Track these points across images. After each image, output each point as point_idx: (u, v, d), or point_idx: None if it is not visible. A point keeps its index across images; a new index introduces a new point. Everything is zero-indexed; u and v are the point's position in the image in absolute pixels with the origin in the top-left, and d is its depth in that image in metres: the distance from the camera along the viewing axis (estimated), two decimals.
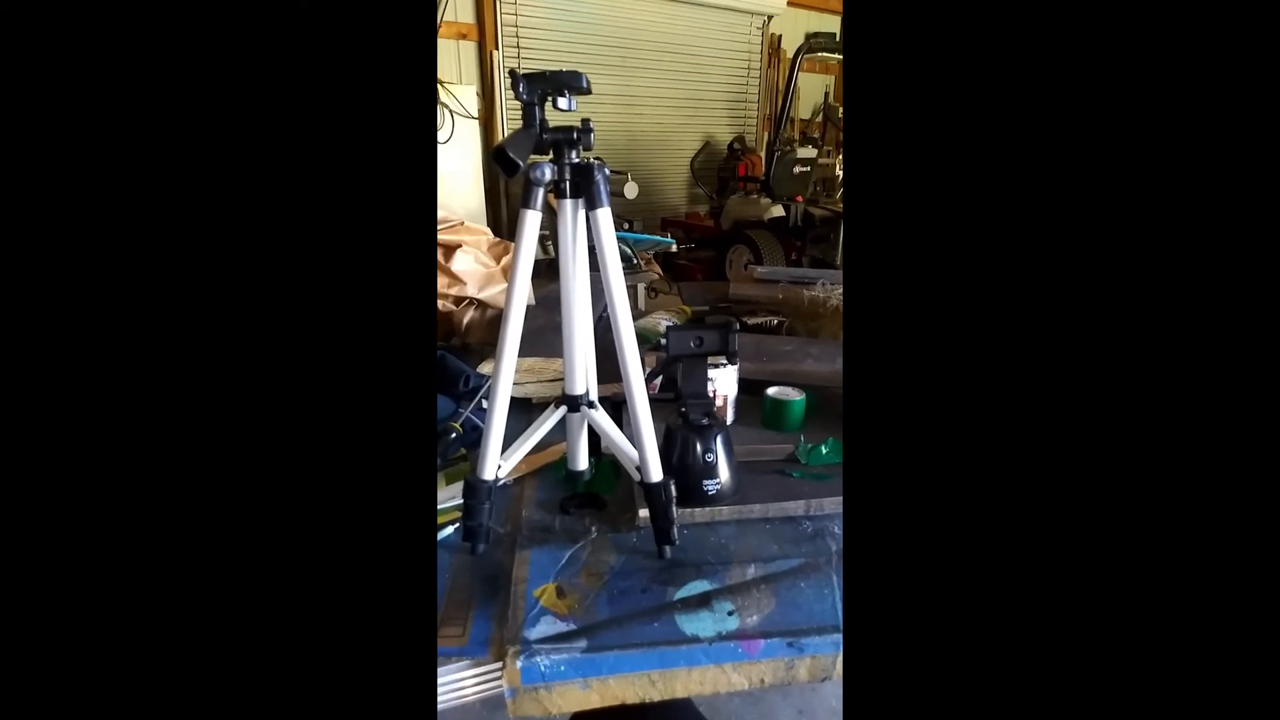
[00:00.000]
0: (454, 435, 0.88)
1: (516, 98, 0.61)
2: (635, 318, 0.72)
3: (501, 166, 0.57)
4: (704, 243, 3.72)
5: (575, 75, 0.62)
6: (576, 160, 0.64)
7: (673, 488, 0.68)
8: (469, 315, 1.34)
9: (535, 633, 0.59)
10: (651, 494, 0.68)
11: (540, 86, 0.62)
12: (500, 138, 3.17)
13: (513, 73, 0.62)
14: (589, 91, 0.63)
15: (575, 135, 0.63)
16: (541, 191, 0.63)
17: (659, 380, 0.97)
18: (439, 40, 2.93)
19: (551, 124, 0.63)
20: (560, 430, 0.77)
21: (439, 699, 0.56)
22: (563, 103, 0.63)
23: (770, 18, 4.14)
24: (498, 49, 3.14)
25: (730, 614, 0.61)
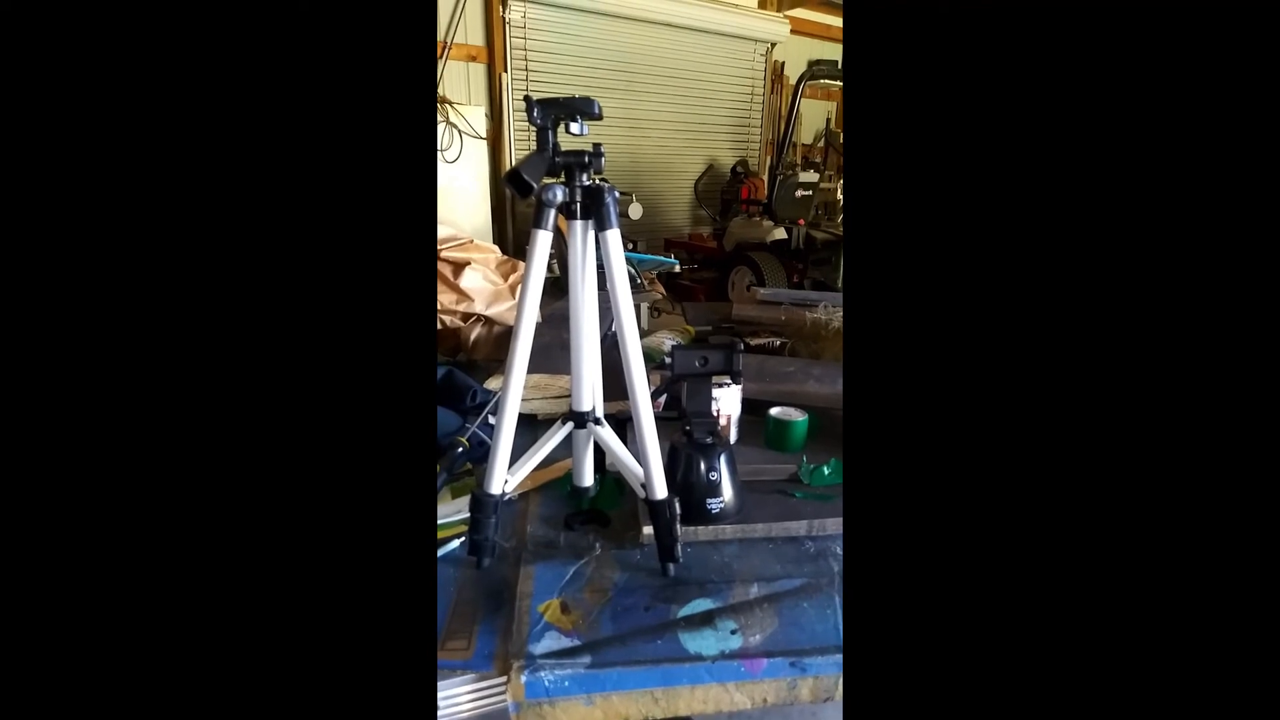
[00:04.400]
0: (461, 450, 0.89)
1: (530, 122, 0.63)
2: (640, 337, 0.73)
3: (515, 188, 0.58)
4: (707, 264, 3.74)
5: (588, 101, 0.64)
6: (587, 183, 0.66)
7: (677, 505, 0.68)
8: (476, 331, 1.36)
9: (539, 648, 0.59)
10: (656, 511, 0.68)
11: (554, 111, 0.64)
12: (508, 158, 3.21)
13: (527, 98, 0.64)
14: (600, 117, 0.65)
15: (586, 159, 0.65)
16: (553, 212, 0.65)
17: (664, 399, 0.98)
18: (449, 62, 2.98)
19: (563, 148, 0.65)
20: (566, 446, 0.78)
21: (442, 712, 0.56)
22: (575, 127, 0.65)
23: (773, 45, 4.21)
24: (507, 71, 3.19)
25: (733, 633, 0.61)
